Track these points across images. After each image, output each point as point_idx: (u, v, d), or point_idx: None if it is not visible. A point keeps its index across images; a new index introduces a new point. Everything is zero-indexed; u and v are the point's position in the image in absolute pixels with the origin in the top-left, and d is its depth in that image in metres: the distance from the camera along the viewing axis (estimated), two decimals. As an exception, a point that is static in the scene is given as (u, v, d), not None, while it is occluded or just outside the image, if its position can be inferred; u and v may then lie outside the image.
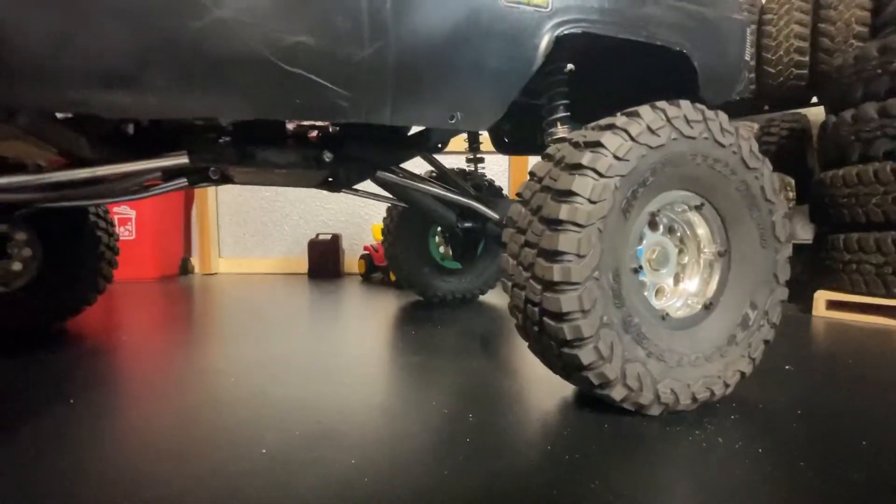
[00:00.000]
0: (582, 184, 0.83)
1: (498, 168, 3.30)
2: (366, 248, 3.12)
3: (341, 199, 3.45)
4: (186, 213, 3.40)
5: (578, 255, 0.83)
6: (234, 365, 1.29)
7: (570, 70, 1.25)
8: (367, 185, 1.84)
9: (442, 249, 2.20)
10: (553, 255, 0.84)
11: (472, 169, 1.96)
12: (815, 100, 2.44)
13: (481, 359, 1.34)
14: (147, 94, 0.79)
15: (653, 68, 1.29)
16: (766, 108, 2.54)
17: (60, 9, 0.72)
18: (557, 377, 1.02)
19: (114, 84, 0.77)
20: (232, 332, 1.69)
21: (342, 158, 1.12)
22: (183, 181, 1.43)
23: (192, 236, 3.43)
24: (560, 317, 0.85)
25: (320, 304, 2.28)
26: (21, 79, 0.73)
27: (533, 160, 3.17)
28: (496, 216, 1.38)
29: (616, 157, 0.84)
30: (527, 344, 1.04)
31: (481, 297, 2.30)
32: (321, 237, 3.26)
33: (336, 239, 3.26)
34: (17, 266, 1.61)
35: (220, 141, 1.01)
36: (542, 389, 1.10)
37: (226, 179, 1.49)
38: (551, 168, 0.92)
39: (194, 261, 3.41)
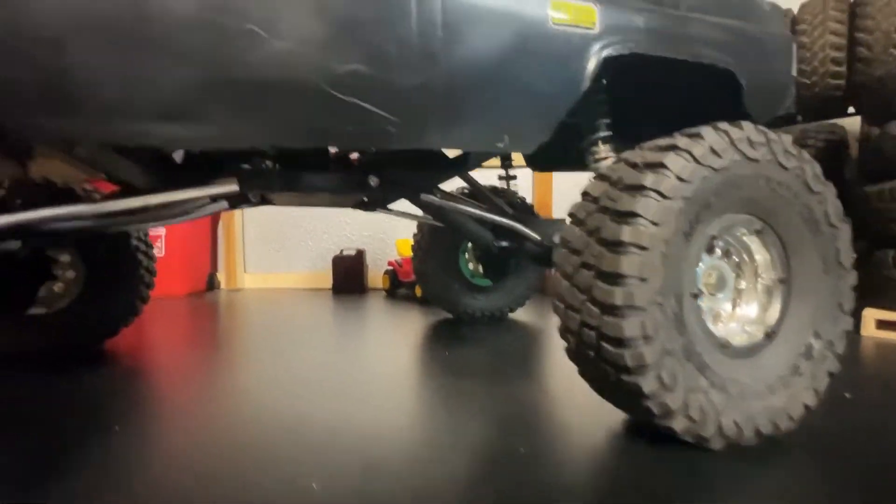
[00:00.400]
0: (645, 205, 0.81)
1: (523, 183, 3.29)
2: (390, 264, 3.12)
3: (365, 215, 3.46)
4: (213, 229, 3.45)
5: (641, 279, 0.80)
6: (270, 388, 1.28)
7: (606, 84, 1.23)
8: (398, 203, 1.85)
9: (472, 266, 2.18)
10: (615, 278, 0.82)
11: (505, 186, 1.95)
12: (851, 110, 2.39)
13: (522, 382, 1.32)
14: (205, 125, 0.80)
15: (695, 85, 1.27)
16: (799, 118, 2.49)
17: (123, 47, 0.74)
18: (605, 404, 0.99)
19: (174, 117, 0.78)
20: (264, 352, 1.69)
21: (386, 182, 1.12)
22: (224, 204, 1.45)
23: (218, 252, 3.48)
24: (621, 342, 0.82)
25: (348, 320, 2.28)
26: (87, 114, 0.75)
27: (558, 176, 3.15)
28: (536, 236, 1.36)
29: (679, 179, 0.82)
30: (578, 369, 1.02)
31: (511, 315, 2.27)
32: (345, 253, 3.27)
33: (360, 255, 3.27)
34: (59, 287, 1.64)
35: (268, 167, 1.02)
36: (590, 417, 1.07)
37: (265, 201, 1.50)
38: (608, 189, 0.91)
39: (220, 276, 3.45)
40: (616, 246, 0.82)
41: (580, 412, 1.09)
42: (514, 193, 1.94)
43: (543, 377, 1.35)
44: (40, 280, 1.50)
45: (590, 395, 1.00)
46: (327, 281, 3.31)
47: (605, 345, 0.85)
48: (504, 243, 1.53)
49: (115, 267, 1.66)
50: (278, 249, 3.50)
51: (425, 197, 1.20)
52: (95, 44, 0.71)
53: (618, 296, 0.81)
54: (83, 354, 1.61)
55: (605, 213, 0.88)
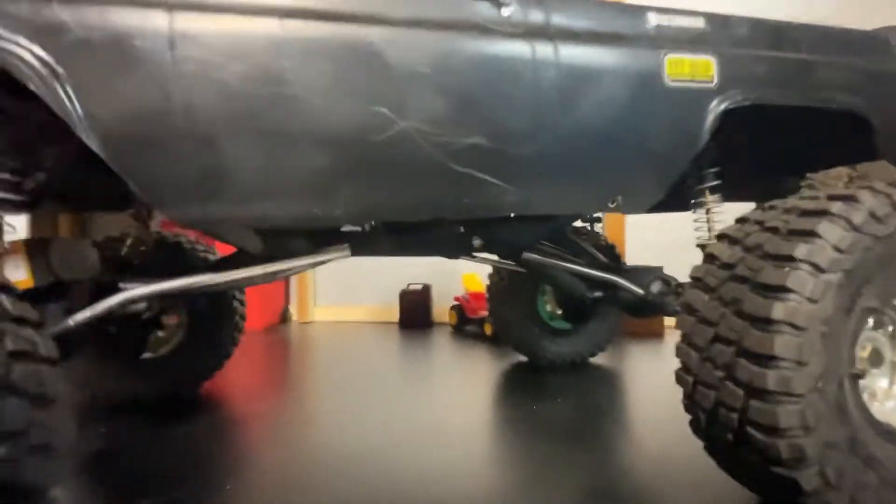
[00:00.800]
0: (799, 279, 0.74)
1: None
2: (457, 300, 3.11)
3: (431, 250, 3.49)
4: (287, 265, 3.60)
5: (799, 363, 0.73)
6: (352, 438, 1.27)
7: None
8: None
9: (549, 308, 2.12)
10: (766, 360, 0.74)
11: (590, 228, 1.89)
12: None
13: (628, 449, 1.23)
14: (336, 205, 0.82)
15: (816, 129, 1.18)
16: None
17: (268, 137, 0.77)
18: (730, 480, 0.90)
19: (309, 199, 0.80)
20: (341, 396, 1.70)
21: (490, 242, 1.11)
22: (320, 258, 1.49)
23: (290, 286, 3.61)
24: (775, 432, 0.74)
25: (418, 359, 2.27)
26: (230, 200, 0.79)
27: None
28: (637, 289, 1.29)
29: (838, 250, 0.74)
30: (705, 446, 0.93)
31: (591, 360, 2.17)
32: (412, 287, 3.30)
33: (426, 289, 3.28)
34: (164, 333, 1.74)
35: (378, 232, 1.04)
36: (718, 497, 0.97)
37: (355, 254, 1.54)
38: (744, 256, 0.84)
39: (292, 309, 3.58)
40: (765, 323, 0.75)
41: (694, 487, 1.00)
42: (599, 235, 1.88)
43: (652, 443, 1.26)
44: (151, 329, 1.60)
45: (702, 465, 0.92)
46: (394, 314, 3.34)
47: (751, 431, 0.77)
48: (597, 294, 1.47)
49: (215, 314, 1.75)
50: (347, 283, 3.58)
51: (527, 256, 1.18)
52: (244, 137, 0.75)
53: (771, 380, 0.73)
54: (181, 399, 1.70)
55: (742, 284, 0.82)
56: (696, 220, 1.28)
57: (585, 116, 0.92)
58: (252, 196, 0.78)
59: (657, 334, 2.81)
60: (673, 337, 2.79)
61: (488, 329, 2.73)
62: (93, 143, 0.72)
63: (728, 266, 0.86)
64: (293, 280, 3.61)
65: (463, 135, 0.85)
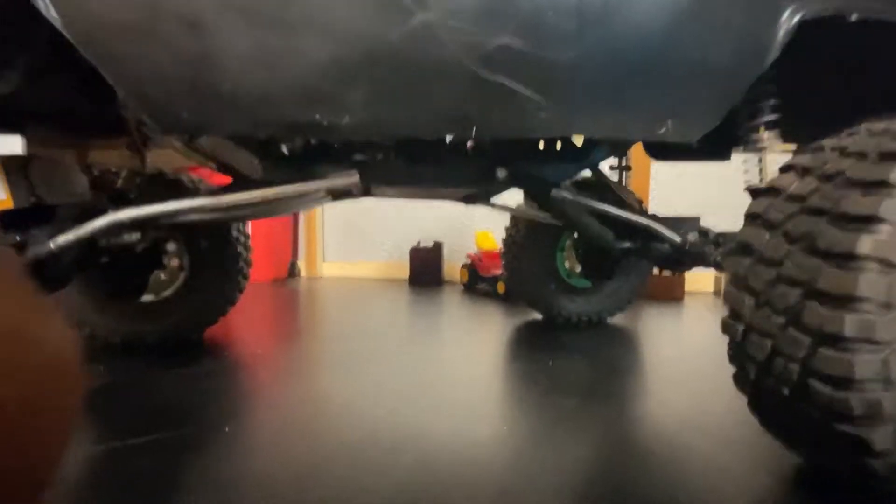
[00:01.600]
0: (893, 207, 0.62)
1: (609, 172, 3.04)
2: (469, 257, 3.01)
3: (444, 205, 3.37)
4: (295, 218, 3.51)
5: (886, 304, 0.62)
6: (360, 394, 1.21)
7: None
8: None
9: (568, 265, 2.01)
10: (843, 302, 0.63)
11: (617, 181, 1.75)
12: None
13: (655, 407, 1.15)
14: (342, 112, 0.71)
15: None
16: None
17: (259, 29, 0.65)
18: (762, 443, 0.82)
19: (311, 105, 0.69)
20: (354, 345, 1.63)
21: (514, 175, 0.99)
22: (327, 198, 1.39)
23: (299, 241, 3.54)
24: (848, 384, 0.64)
25: (429, 315, 2.20)
26: (220, 103, 0.67)
27: (656, 167, 2.87)
28: (677, 239, 1.18)
29: (944, 175, 0.62)
30: (749, 402, 0.84)
31: (609, 321, 2.08)
32: (423, 245, 3.20)
33: (438, 247, 3.18)
34: (165, 275, 1.67)
35: (392, 160, 0.92)
36: (755, 463, 0.89)
37: (366, 193, 1.43)
38: (819, 185, 0.72)
39: (301, 264, 3.51)
40: (846, 260, 0.64)
41: (744, 456, 0.92)
42: (628, 191, 1.74)
43: (680, 402, 1.18)
44: (151, 268, 1.53)
45: (735, 427, 0.83)
46: (404, 272, 3.27)
47: (815, 383, 0.67)
48: (627, 244, 1.35)
49: (217, 258, 1.67)
50: (356, 239, 3.50)
51: (557, 192, 1.06)
52: (235, 22, 0.63)
53: (848, 325, 0.63)
54: (184, 342, 1.64)
55: (817, 216, 0.70)
56: (745, 162, 1.15)
57: (634, 20, 0.78)
58: (245, 95, 0.67)
59: (677, 298, 2.71)
60: (694, 301, 2.70)
61: (501, 288, 2.65)
62: (59, 24, 0.60)
63: (797, 198, 0.74)
64: (301, 234, 3.53)
65: (493, 33, 0.71)
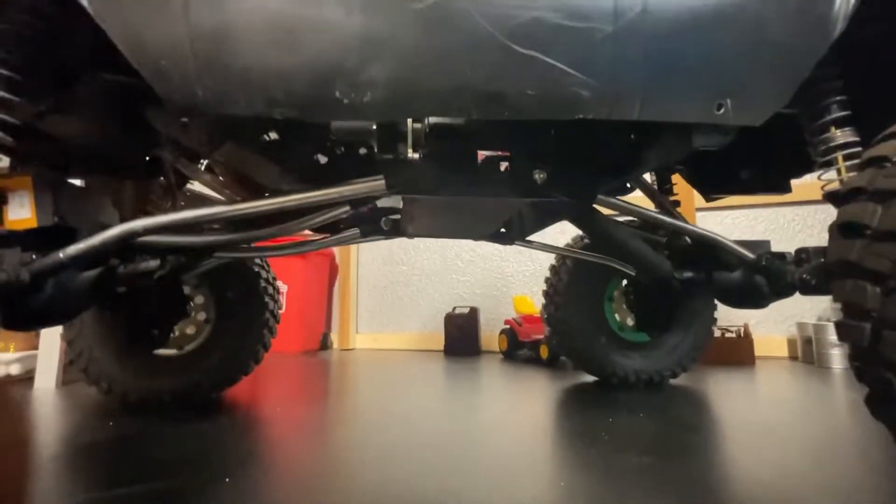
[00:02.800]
0: None
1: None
2: (507, 322, 2.83)
3: (478, 272, 3.28)
4: (330, 288, 3.49)
5: None
6: (395, 454, 1.03)
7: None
8: (540, 234, 1.60)
9: (619, 317, 1.82)
10: None
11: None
12: None
13: (731, 465, 0.91)
14: (363, 89, 0.66)
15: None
16: None
17: (276, 2, 0.63)
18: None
19: (330, 81, 0.65)
20: (385, 410, 1.46)
21: (553, 181, 0.90)
22: (356, 232, 1.33)
23: (332, 311, 3.48)
24: None
25: (471, 383, 1.99)
26: (236, 80, 0.64)
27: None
28: (751, 256, 1.02)
29: None
30: (892, 433, 0.63)
31: (672, 382, 1.82)
32: (458, 311, 3.06)
33: (474, 312, 3.03)
34: (191, 329, 1.61)
35: (417, 162, 0.86)
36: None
37: (396, 231, 1.36)
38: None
39: (333, 336, 3.42)
40: None
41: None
42: (678, 212, 1.58)
43: (749, 456, 0.93)
44: (176, 320, 1.47)
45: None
46: (438, 342, 3.10)
47: None
48: (688, 274, 1.18)
49: (244, 310, 1.61)
50: (390, 309, 3.41)
51: (604, 200, 0.95)
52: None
53: None
54: (204, 400, 1.53)
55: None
56: (820, 167, 1.01)
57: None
58: (262, 71, 0.63)
59: (746, 363, 2.38)
60: (767, 365, 2.36)
61: (544, 352, 2.43)
62: None
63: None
64: (335, 306, 3.48)
65: (525, 5, 0.67)
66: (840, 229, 0.67)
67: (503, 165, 0.99)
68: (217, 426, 1.24)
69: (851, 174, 0.95)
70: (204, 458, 0.97)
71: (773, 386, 1.81)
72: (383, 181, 0.84)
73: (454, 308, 3.09)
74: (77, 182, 1.11)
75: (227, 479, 0.84)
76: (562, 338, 1.79)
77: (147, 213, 1.37)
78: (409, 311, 3.37)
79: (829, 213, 0.78)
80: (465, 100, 0.69)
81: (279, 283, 2.98)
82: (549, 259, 1.89)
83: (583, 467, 0.89)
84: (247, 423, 1.30)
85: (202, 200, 1.42)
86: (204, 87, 0.63)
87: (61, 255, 0.78)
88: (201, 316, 1.62)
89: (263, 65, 0.63)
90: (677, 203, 1.52)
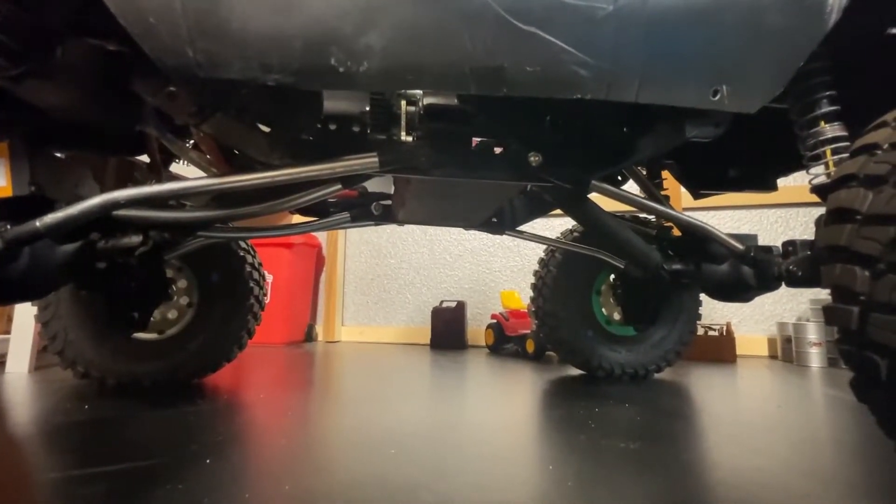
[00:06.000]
0: None
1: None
2: (494, 317, 2.83)
3: (466, 266, 3.27)
4: (316, 279, 3.45)
5: None
6: (381, 436, 1.01)
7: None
8: (530, 227, 1.60)
9: (606, 311, 1.83)
10: None
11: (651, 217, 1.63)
12: None
13: (722, 450, 0.92)
14: (360, 55, 0.64)
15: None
16: None
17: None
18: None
19: (326, 48, 0.63)
20: (370, 397, 1.44)
21: (551, 161, 0.89)
22: (345, 216, 1.31)
23: (318, 303, 3.44)
24: None
25: (458, 374, 1.98)
26: (229, 43, 0.62)
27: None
28: (740, 247, 1.02)
29: None
30: (876, 418, 0.64)
31: (657, 376, 1.84)
32: (445, 305, 3.05)
33: (461, 306, 3.03)
34: (173, 313, 1.57)
35: (410, 141, 0.84)
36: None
37: (387, 217, 1.34)
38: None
39: (319, 328, 3.38)
40: None
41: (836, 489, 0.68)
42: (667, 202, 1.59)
43: (740, 442, 0.94)
44: (157, 303, 1.43)
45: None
46: (425, 336, 3.09)
47: None
48: (677, 265, 1.19)
49: (229, 295, 1.57)
50: (376, 302, 3.38)
51: (597, 185, 0.95)
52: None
53: None
54: (185, 386, 1.49)
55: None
56: (808, 161, 1.03)
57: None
58: (256, 35, 0.61)
59: (728, 360, 2.42)
60: (748, 363, 2.40)
61: (530, 346, 2.43)
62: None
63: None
64: (320, 297, 3.44)
65: (526, -22, 0.66)
66: (830, 216, 0.68)
67: (497, 150, 0.99)
68: (197, 410, 1.21)
69: (839, 167, 0.97)
70: (184, 440, 0.94)
71: (754, 381, 1.84)
72: (377, 158, 0.82)
73: (441, 302, 3.08)
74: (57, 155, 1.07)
75: (208, 461, 0.82)
76: (549, 330, 1.79)
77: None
78: (396, 305, 3.35)
79: (812, 215, 0.79)
80: (463, 73, 0.68)
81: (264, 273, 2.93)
82: (537, 254, 1.89)
83: (571, 451, 0.89)
84: (228, 408, 1.27)
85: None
86: (195, 49, 0.61)
87: (38, 223, 0.75)
88: (184, 300, 1.58)
89: (259, 27, 0.61)
90: (666, 199, 1.54)
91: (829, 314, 0.65)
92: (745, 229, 2.85)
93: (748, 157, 1.46)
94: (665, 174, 1.59)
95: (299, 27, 0.62)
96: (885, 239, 0.58)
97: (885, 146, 0.64)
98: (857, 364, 0.62)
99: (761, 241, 1.15)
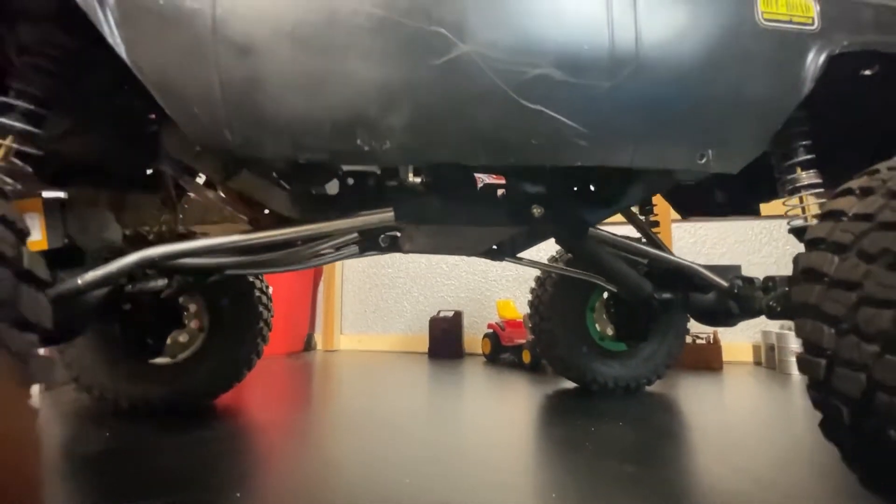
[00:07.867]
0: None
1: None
2: (490, 327, 2.91)
3: (463, 276, 3.35)
4: (314, 290, 3.50)
5: None
6: (391, 461, 1.09)
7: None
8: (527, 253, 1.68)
9: (599, 327, 1.91)
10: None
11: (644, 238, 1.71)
12: None
13: (715, 470, 1.01)
14: (384, 137, 0.71)
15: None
16: None
17: (306, 54, 0.68)
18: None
19: (352, 129, 0.69)
20: (374, 413, 1.51)
21: (549, 215, 0.97)
22: (354, 249, 1.37)
23: (316, 313, 3.49)
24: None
25: (456, 387, 2.06)
26: (264, 125, 0.68)
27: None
28: (724, 283, 1.11)
29: None
30: (842, 454, 0.72)
31: (648, 389, 1.93)
32: (442, 314, 3.12)
33: (458, 316, 3.10)
34: (184, 338, 1.62)
35: (426, 197, 0.91)
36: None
37: (394, 248, 1.41)
38: (885, 201, 0.67)
39: (317, 337, 3.43)
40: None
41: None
42: (659, 239, 1.69)
43: (733, 461, 1.03)
44: (171, 328, 1.48)
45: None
46: (422, 345, 3.16)
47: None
48: (667, 295, 1.28)
49: (238, 319, 1.63)
50: (375, 311, 3.44)
51: (595, 233, 1.03)
52: (284, 46, 0.66)
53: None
54: (196, 407, 1.55)
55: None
56: (785, 203, 1.12)
57: (670, 52, 0.80)
58: (289, 118, 0.68)
59: (715, 368, 2.53)
60: (734, 370, 2.51)
61: (527, 357, 2.51)
62: (122, 50, 0.63)
63: (866, 217, 0.69)
64: (319, 307, 3.49)
65: (532, 63, 0.73)
66: (803, 274, 0.76)
67: (500, 192, 1.06)
68: (215, 435, 1.27)
69: (814, 212, 1.06)
70: (211, 470, 1.00)
71: (740, 391, 1.95)
72: (392, 213, 0.89)
73: (438, 311, 3.16)
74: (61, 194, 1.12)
75: (238, 494, 0.88)
76: (546, 347, 1.87)
77: (145, 224, 1.38)
78: (394, 314, 3.41)
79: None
80: (474, 147, 0.75)
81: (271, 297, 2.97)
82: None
83: (570, 475, 0.97)
84: (243, 431, 1.34)
85: (204, 209, 1.44)
86: (233, 131, 0.67)
87: (79, 281, 0.80)
88: (194, 324, 1.63)
89: (291, 112, 0.68)
90: (656, 223, 1.63)
91: (801, 363, 0.73)
92: (731, 240, 2.95)
93: (734, 186, 1.55)
94: (656, 197, 1.68)
95: (329, 111, 0.69)
96: (849, 302, 0.66)
97: (850, 214, 0.72)
98: (824, 409, 0.71)
99: (746, 251, 1.24)
